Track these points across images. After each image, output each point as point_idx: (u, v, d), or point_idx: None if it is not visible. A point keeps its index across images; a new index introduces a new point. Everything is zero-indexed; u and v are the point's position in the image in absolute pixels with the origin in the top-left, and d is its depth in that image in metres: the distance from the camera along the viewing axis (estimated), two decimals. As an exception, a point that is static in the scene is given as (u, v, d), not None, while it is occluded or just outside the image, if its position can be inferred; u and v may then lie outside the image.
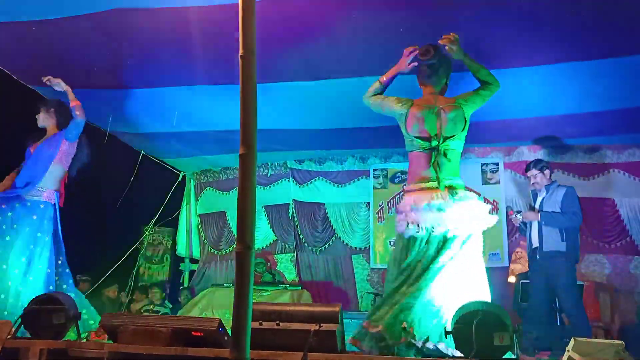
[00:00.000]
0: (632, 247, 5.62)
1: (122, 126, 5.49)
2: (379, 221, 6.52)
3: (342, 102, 4.80)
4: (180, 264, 7.61)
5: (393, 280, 2.80)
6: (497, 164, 6.18)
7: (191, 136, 5.80)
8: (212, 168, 7.32)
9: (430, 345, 2.43)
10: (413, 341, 2.46)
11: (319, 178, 6.83)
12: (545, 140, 5.86)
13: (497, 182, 6.11)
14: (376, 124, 5.20)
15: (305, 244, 6.78)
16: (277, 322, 2.37)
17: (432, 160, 2.85)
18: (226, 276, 6.74)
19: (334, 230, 6.70)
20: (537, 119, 5.06)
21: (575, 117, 4.95)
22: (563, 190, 4.39)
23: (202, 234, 7.38)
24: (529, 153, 5.98)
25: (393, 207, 6.49)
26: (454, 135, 2.88)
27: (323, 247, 6.72)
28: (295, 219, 6.85)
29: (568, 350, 2.24)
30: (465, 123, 2.91)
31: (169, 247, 7.98)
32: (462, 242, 2.77)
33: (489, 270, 5.59)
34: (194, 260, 7.51)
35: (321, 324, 2.31)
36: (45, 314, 2.72)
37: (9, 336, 2.53)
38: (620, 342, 2.30)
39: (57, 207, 3.87)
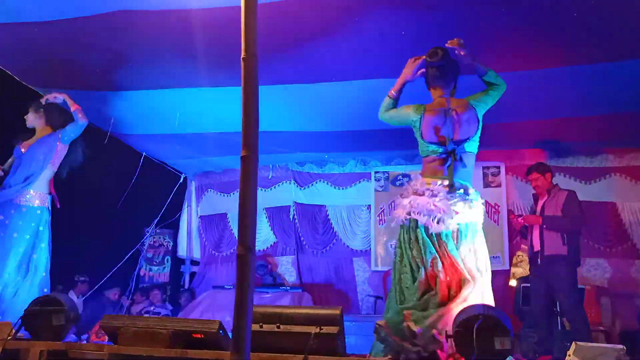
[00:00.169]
0: (633, 251, 5.61)
1: (124, 128, 5.50)
2: (380, 224, 6.52)
3: (343, 104, 4.80)
4: (181, 266, 7.61)
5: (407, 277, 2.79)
6: (498, 167, 6.18)
7: (193, 138, 5.80)
8: (214, 170, 7.32)
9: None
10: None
11: (320, 180, 6.83)
12: (546, 144, 5.86)
13: (499, 185, 6.11)
14: (378, 127, 5.19)
15: (306, 246, 6.78)
16: (278, 324, 2.36)
17: (449, 164, 2.82)
18: (227, 278, 6.74)
19: (335, 232, 6.70)
20: (539, 122, 5.06)
21: (577, 121, 4.95)
22: (564, 194, 4.38)
23: (203, 235, 7.38)
24: (531, 156, 5.98)
25: (394, 209, 6.48)
26: (469, 138, 2.86)
27: (324, 250, 6.72)
28: (296, 221, 6.85)
29: (569, 355, 2.24)
30: (479, 123, 2.89)
31: (170, 248, 7.98)
32: (465, 236, 2.75)
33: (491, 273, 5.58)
34: (194, 262, 7.51)
35: (322, 327, 2.31)
36: (45, 315, 2.72)
37: (9, 337, 2.54)
38: (621, 346, 2.29)
39: (50, 210, 3.86)
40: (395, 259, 2.90)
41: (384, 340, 2.60)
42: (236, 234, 1.69)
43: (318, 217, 6.80)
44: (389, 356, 2.56)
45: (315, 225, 6.79)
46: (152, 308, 6.20)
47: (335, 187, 6.77)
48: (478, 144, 2.93)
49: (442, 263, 2.69)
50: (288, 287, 6.02)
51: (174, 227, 7.63)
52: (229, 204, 7.11)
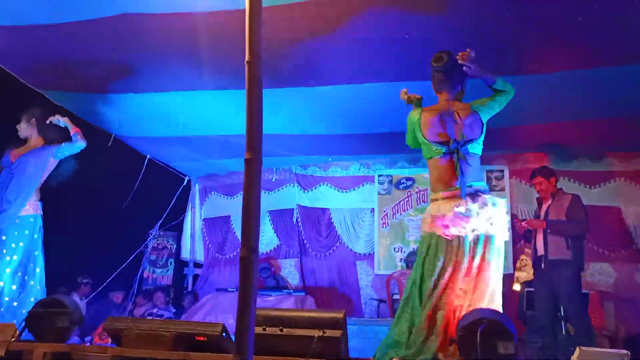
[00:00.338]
0: (637, 255, 5.59)
1: (128, 130, 5.52)
2: (383, 227, 6.51)
3: (347, 107, 4.81)
4: (185, 268, 7.62)
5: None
6: (502, 170, 6.17)
7: (197, 141, 5.82)
8: (217, 172, 7.34)
9: None
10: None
11: (323, 183, 6.83)
12: (551, 148, 5.85)
13: (502, 189, 6.09)
14: (381, 130, 5.21)
15: (310, 250, 6.78)
16: (281, 327, 2.36)
17: (455, 165, 2.81)
18: (230, 280, 6.74)
19: (338, 235, 6.70)
20: (543, 126, 5.05)
21: (581, 125, 4.94)
22: (569, 198, 4.37)
23: (206, 238, 7.39)
24: (535, 160, 5.96)
25: (398, 213, 6.48)
26: (472, 140, 2.85)
27: (327, 253, 6.71)
28: (300, 224, 6.85)
29: (573, 360, 2.23)
30: (483, 127, 2.88)
31: (174, 251, 7.99)
32: (486, 247, 2.74)
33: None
34: (198, 265, 7.52)
35: (325, 330, 2.30)
36: (49, 317, 2.73)
37: (12, 339, 2.54)
38: (625, 351, 2.28)
39: (42, 216, 3.87)
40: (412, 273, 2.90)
41: None
42: (239, 237, 1.70)
43: (321, 220, 6.80)
44: None
45: (318, 228, 6.79)
46: (155, 310, 6.20)
47: (338, 190, 6.77)
48: (482, 147, 2.92)
49: (454, 269, 2.67)
50: (291, 290, 6.02)
51: (178, 230, 7.65)
52: (233, 207, 7.12)
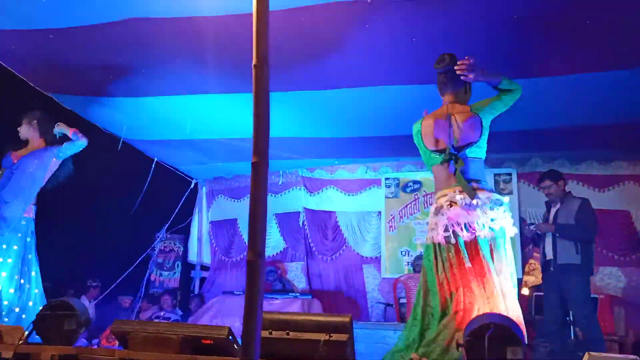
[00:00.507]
0: (647, 260, 5.53)
1: (136, 134, 5.55)
2: (390, 231, 6.49)
3: (354, 111, 4.81)
4: (191, 271, 7.64)
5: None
6: (510, 174, 6.14)
7: (204, 144, 5.84)
8: (224, 176, 7.36)
9: None
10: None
11: (330, 186, 6.83)
12: (560, 151, 5.81)
13: (510, 193, 6.06)
14: (388, 133, 5.20)
15: (316, 253, 6.77)
16: (287, 331, 2.35)
17: (455, 170, 2.78)
18: (237, 284, 6.74)
19: (345, 239, 6.68)
20: (552, 129, 5.02)
21: (590, 128, 4.90)
22: (578, 202, 4.33)
23: (213, 241, 7.41)
24: (543, 163, 5.93)
25: (405, 216, 6.46)
26: (470, 143, 2.82)
27: (333, 256, 6.70)
28: (306, 227, 6.84)
29: (582, 365, 2.20)
30: (483, 129, 2.84)
31: (181, 254, 8.01)
32: (493, 245, 2.72)
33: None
34: (204, 268, 7.53)
35: (331, 334, 2.29)
36: (56, 319, 2.74)
37: (20, 342, 2.55)
38: (634, 356, 2.25)
39: (35, 220, 3.87)
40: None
41: None
42: (246, 240, 1.70)
43: (328, 224, 6.79)
44: None
45: (324, 232, 6.78)
46: (162, 313, 6.22)
47: (345, 194, 6.76)
48: (485, 149, 2.89)
49: (462, 272, 2.65)
50: (297, 294, 6.01)
51: (185, 233, 7.68)
52: (239, 210, 7.14)
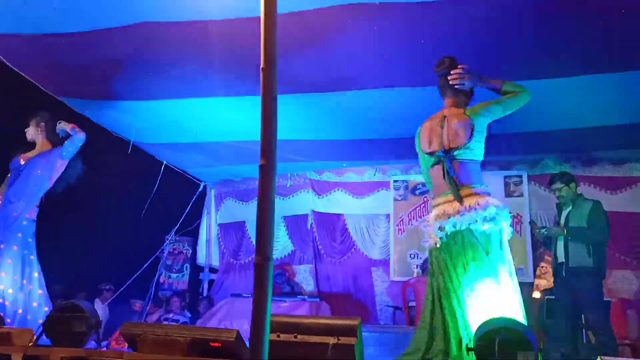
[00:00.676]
0: (661, 263, 5.46)
1: (145, 137, 5.58)
2: (399, 233, 6.46)
3: (362, 113, 4.80)
4: (200, 274, 7.66)
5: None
6: (520, 176, 6.08)
7: (212, 147, 5.86)
8: (232, 178, 7.37)
9: None
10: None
11: (338, 189, 6.82)
12: (571, 153, 5.75)
13: (521, 195, 6.00)
14: (396, 135, 5.18)
15: (324, 255, 6.76)
16: (295, 334, 2.34)
17: (443, 174, 2.80)
18: (245, 286, 6.75)
19: (353, 242, 6.67)
20: (563, 131, 4.97)
21: (602, 130, 4.85)
22: (589, 204, 4.28)
23: (221, 243, 7.42)
24: (555, 165, 5.87)
25: (414, 219, 6.43)
26: (458, 146, 2.81)
27: (342, 259, 6.68)
28: (314, 230, 6.83)
29: (595, 370, 2.17)
30: (473, 132, 2.81)
31: (189, 256, 8.04)
32: (487, 247, 2.70)
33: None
34: (213, 270, 7.55)
35: (339, 338, 2.28)
36: (66, 321, 2.75)
37: (30, 344, 2.57)
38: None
39: (36, 222, 3.88)
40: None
41: None
42: (254, 242, 1.69)
43: (336, 226, 6.77)
44: None
45: (333, 234, 6.77)
46: (171, 315, 6.24)
47: (353, 196, 6.74)
48: (480, 151, 2.86)
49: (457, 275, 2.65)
50: (306, 296, 6.00)
51: (194, 235, 7.70)
52: (248, 212, 7.15)
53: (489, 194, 2.82)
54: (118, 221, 6.89)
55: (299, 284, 6.72)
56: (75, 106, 4.83)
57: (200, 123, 5.11)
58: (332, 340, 2.27)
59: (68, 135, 3.98)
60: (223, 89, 4.43)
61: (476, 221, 2.69)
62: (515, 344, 2.18)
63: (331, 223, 6.80)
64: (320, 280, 6.70)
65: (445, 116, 2.90)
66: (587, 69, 3.84)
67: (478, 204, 2.71)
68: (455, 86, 2.87)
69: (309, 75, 4.12)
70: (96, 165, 4.35)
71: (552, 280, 4.73)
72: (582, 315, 4.23)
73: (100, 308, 6.81)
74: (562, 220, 4.37)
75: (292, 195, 7.04)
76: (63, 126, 3.99)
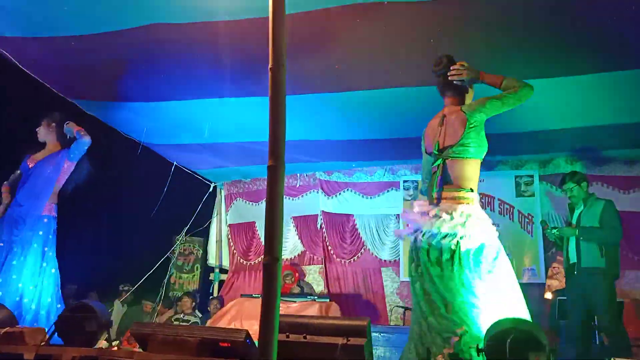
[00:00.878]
0: (675, 263, 5.38)
1: (155, 138, 5.62)
2: (409, 234, 6.42)
3: (371, 113, 4.78)
4: (210, 274, 7.69)
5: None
6: (532, 175, 6.02)
7: (222, 147, 5.88)
8: (242, 179, 7.40)
9: None
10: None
11: (348, 189, 6.81)
12: (583, 152, 5.69)
13: (532, 195, 5.94)
14: (406, 135, 5.16)
15: (334, 256, 6.75)
16: (305, 334, 2.34)
17: (436, 172, 2.79)
18: (255, 287, 6.76)
19: (363, 242, 6.65)
20: (574, 129, 4.92)
21: (614, 128, 4.79)
22: (602, 204, 4.23)
23: (231, 244, 7.44)
24: (566, 165, 5.82)
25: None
26: (453, 144, 2.79)
27: (352, 259, 6.67)
28: (324, 230, 6.83)
29: (608, 372, 2.14)
30: (465, 129, 2.77)
31: (200, 256, 8.08)
32: (473, 254, 2.66)
33: (526, 286, 5.42)
34: (223, 270, 7.57)
35: (349, 338, 2.28)
36: (77, 321, 2.78)
37: (42, 343, 2.60)
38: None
39: (56, 218, 3.95)
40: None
41: None
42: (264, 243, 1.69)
43: (346, 227, 6.76)
44: None
45: (343, 235, 6.75)
46: (181, 315, 6.28)
47: (363, 196, 6.73)
48: (476, 149, 2.81)
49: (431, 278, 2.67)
50: (315, 297, 5.99)
51: (204, 235, 7.73)
52: (258, 213, 7.16)
53: (470, 196, 2.77)
54: (129, 222, 6.95)
55: (309, 285, 6.72)
56: (85, 107, 4.88)
57: (209, 123, 5.13)
58: (341, 341, 2.27)
59: (75, 137, 4.02)
60: (233, 90, 4.45)
61: (439, 230, 2.69)
62: (527, 345, 2.16)
63: (341, 223, 6.79)
64: (330, 280, 6.69)
65: (444, 115, 2.90)
66: (598, 66, 3.79)
67: (448, 213, 2.70)
68: (455, 82, 2.87)
69: (318, 75, 4.12)
70: (107, 166, 4.39)
71: (564, 280, 4.68)
72: (595, 316, 4.18)
73: (120, 309, 6.90)
74: (574, 221, 4.32)
75: (302, 196, 7.04)
76: (71, 127, 4.03)
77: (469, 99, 2.96)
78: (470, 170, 2.81)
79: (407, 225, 2.84)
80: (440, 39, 3.49)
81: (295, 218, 7.01)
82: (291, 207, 6.86)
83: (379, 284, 6.48)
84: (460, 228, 2.66)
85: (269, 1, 1.71)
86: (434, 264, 2.69)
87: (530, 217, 5.84)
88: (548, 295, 5.37)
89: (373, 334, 2.38)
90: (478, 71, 2.86)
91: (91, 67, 4.19)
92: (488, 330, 2.33)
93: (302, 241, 6.97)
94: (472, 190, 2.78)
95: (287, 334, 2.35)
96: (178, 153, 6.21)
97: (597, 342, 4.32)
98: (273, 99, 1.65)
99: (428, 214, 2.77)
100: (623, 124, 4.68)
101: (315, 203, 6.93)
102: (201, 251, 8.05)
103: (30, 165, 3.98)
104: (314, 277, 6.83)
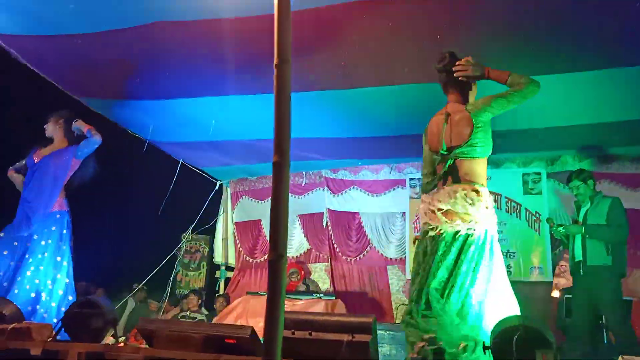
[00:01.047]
0: (683, 261, 5.32)
1: (162, 135, 5.64)
2: (415, 231, 6.41)
3: (377, 110, 4.77)
4: (217, 272, 7.71)
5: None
6: (539, 173, 5.98)
7: (228, 145, 5.89)
8: (248, 177, 7.40)
9: None
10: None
11: (353, 187, 6.80)
12: (590, 149, 5.65)
13: (539, 193, 5.91)
14: (412, 132, 5.14)
15: (340, 254, 6.75)
16: (310, 331, 2.34)
17: (444, 169, 2.78)
18: (261, 284, 6.77)
19: (369, 240, 6.64)
20: (582, 126, 4.88)
21: (622, 125, 4.75)
22: (608, 202, 4.20)
23: (237, 242, 7.46)
24: (574, 162, 5.78)
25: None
26: (460, 144, 2.78)
27: (357, 257, 6.66)
28: (330, 228, 6.83)
29: (616, 370, 2.13)
30: (473, 128, 2.76)
31: (206, 254, 8.10)
32: (474, 244, 2.66)
33: (533, 284, 5.39)
34: (229, 268, 7.59)
35: (354, 335, 2.28)
36: (84, 317, 2.79)
37: (49, 339, 2.61)
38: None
39: (70, 213, 3.98)
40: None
41: None
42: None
43: (352, 224, 6.76)
44: None
45: (348, 233, 6.75)
46: (187, 313, 6.30)
47: (369, 194, 6.72)
48: (483, 147, 2.80)
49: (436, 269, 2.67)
50: (321, 295, 5.99)
51: (210, 233, 7.75)
52: (263, 211, 7.17)
53: (482, 191, 2.77)
54: (135, 219, 6.98)
55: (314, 282, 6.73)
56: (91, 105, 4.90)
57: (214, 121, 5.14)
58: (346, 338, 2.27)
59: (83, 134, 4.04)
60: (238, 87, 4.45)
61: (449, 224, 2.69)
62: (534, 343, 2.15)
63: (347, 221, 6.79)
64: (336, 278, 6.69)
65: (448, 113, 2.86)
66: (606, 62, 3.76)
67: (459, 205, 2.70)
68: (460, 78, 2.83)
69: (323, 72, 4.11)
70: (113, 164, 4.41)
71: (571, 279, 4.65)
72: (602, 315, 4.15)
73: (133, 306, 6.94)
74: (581, 218, 4.30)
75: (308, 194, 7.04)
76: (79, 125, 4.05)
77: (472, 96, 2.93)
78: (479, 168, 2.81)
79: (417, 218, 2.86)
80: (447, 34, 3.47)
81: (301, 216, 7.01)
82: (297, 205, 6.86)
83: (385, 282, 6.47)
84: (470, 223, 2.66)
85: (274, -2, 1.70)
86: (440, 256, 2.67)
87: (537, 215, 5.81)
88: (555, 294, 5.34)
89: (379, 332, 2.38)
90: (483, 67, 2.83)
91: (96, 65, 4.20)
92: (494, 328, 2.32)
93: (307, 239, 6.97)
94: (482, 185, 2.78)
95: (293, 330, 2.35)
96: (184, 151, 6.22)
97: (605, 341, 4.29)
98: (278, 96, 1.64)
99: (437, 209, 2.74)
100: (631, 120, 4.64)
101: (320, 201, 6.93)
102: (207, 249, 8.07)
103: (35, 160, 4.00)
104: (320, 275, 6.84)
